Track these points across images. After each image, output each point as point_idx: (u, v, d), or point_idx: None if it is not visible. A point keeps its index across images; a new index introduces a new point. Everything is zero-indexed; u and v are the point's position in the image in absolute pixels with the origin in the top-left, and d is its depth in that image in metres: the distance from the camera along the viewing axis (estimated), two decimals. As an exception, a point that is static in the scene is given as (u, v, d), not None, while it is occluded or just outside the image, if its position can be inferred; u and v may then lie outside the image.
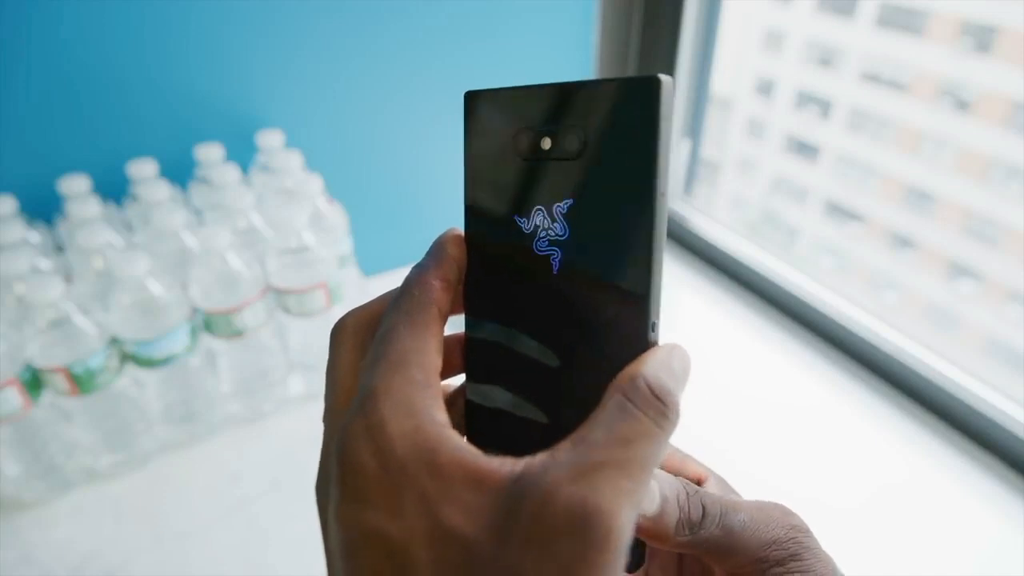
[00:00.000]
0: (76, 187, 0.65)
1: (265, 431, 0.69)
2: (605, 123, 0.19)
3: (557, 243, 0.21)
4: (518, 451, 0.18)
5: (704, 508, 0.21)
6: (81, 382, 0.57)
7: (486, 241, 0.22)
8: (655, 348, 0.19)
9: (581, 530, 0.16)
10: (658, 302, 0.19)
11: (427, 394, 0.19)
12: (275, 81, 0.75)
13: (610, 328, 0.20)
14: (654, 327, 0.19)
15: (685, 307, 0.90)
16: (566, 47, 0.89)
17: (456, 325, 0.25)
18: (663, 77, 0.18)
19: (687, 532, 0.21)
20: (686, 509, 0.21)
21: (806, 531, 0.23)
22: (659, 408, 0.18)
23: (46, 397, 0.58)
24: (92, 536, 0.59)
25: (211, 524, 0.60)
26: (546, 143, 0.20)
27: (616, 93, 0.19)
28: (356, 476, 0.18)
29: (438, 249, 0.22)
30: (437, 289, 0.21)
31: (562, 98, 0.20)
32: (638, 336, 0.19)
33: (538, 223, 0.21)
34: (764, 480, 0.60)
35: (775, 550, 0.22)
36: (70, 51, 0.65)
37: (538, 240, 0.21)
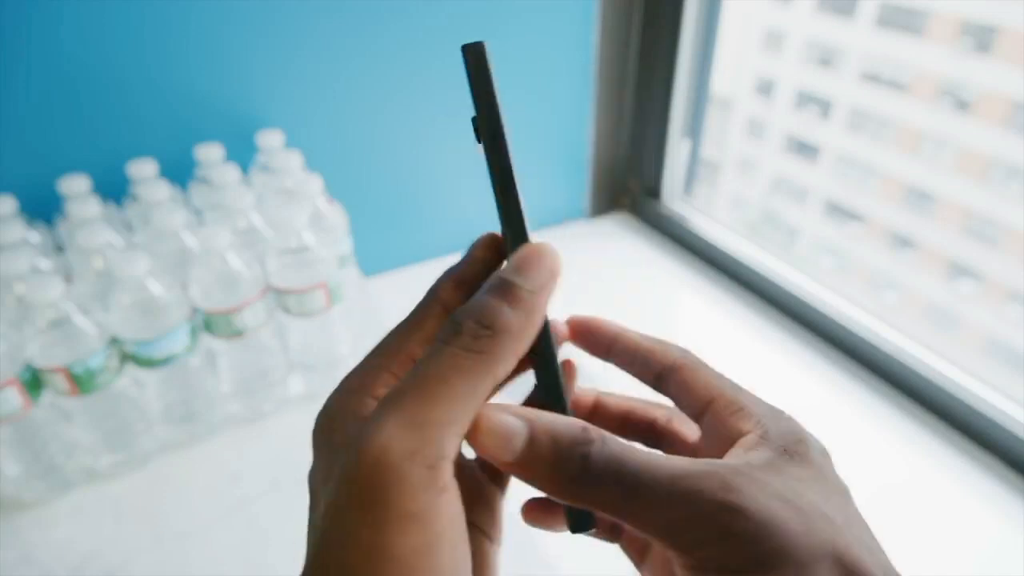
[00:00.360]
0: (76, 187, 0.65)
1: (265, 431, 0.69)
2: (471, 95, 0.22)
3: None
4: None
5: (589, 462, 0.18)
6: (81, 382, 0.57)
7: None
8: None
9: (341, 465, 0.18)
10: (520, 230, 0.22)
11: (374, 375, 0.21)
12: (275, 81, 0.75)
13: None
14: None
15: (685, 307, 0.90)
16: (566, 47, 0.89)
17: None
18: (472, 44, 0.22)
19: (566, 485, 0.19)
20: (561, 459, 0.19)
21: (746, 515, 0.17)
22: (452, 326, 0.20)
23: (46, 397, 0.58)
24: (92, 536, 0.59)
25: (211, 524, 0.60)
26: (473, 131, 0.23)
27: (465, 68, 0.22)
28: (313, 445, 0.22)
29: (467, 251, 0.24)
30: (445, 289, 0.23)
31: (471, 87, 0.23)
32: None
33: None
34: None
35: (689, 532, 0.18)
36: (70, 51, 0.65)
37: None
